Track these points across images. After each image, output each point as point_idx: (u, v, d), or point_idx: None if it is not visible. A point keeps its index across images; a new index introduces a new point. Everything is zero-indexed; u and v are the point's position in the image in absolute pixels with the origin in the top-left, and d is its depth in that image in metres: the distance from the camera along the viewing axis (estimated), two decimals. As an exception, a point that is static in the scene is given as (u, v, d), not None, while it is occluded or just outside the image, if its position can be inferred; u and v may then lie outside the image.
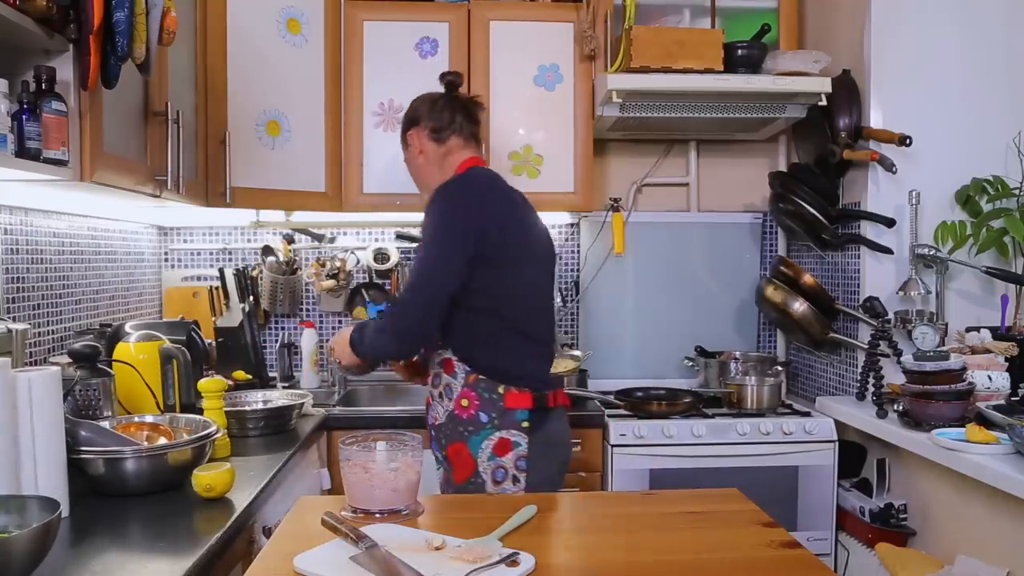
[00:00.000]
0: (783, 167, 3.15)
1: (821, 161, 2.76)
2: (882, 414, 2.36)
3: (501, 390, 1.88)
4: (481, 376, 1.89)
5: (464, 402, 1.90)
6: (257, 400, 2.39)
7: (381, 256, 3.09)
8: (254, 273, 3.04)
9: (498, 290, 1.89)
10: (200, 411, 1.93)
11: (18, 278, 2.06)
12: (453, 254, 1.83)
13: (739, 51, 2.63)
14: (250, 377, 2.79)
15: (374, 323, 1.99)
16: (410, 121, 2.10)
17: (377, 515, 1.36)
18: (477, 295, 1.87)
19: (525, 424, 1.88)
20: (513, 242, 1.92)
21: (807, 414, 2.63)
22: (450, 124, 2.04)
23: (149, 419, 1.80)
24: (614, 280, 3.14)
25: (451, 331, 1.91)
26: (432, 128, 2.06)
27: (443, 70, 2.79)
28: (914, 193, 2.50)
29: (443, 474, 1.99)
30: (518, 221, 1.96)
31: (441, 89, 2.15)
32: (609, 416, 2.58)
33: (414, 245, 3.11)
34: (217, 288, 3.00)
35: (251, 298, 2.98)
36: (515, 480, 1.87)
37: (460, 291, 1.86)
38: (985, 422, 2.07)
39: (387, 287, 3.14)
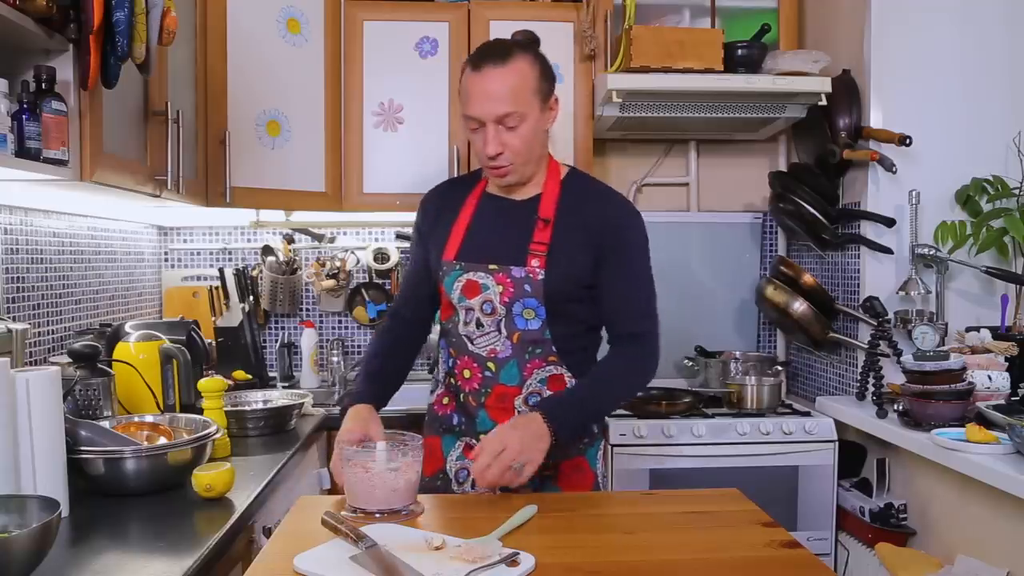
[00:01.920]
0: (783, 167, 3.15)
1: (821, 161, 2.76)
2: (882, 414, 2.36)
3: None
4: None
5: None
6: (257, 400, 2.38)
7: (381, 256, 3.09)
8: (254, 273, 3.04)
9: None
10: (200, 411, 1.93)
11: (18, 278, 2.06)
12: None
13: (739, 51, 2.63)
14: (250, 377, 2.80)
15: (623, 367, 1.70)
16: (552, 78, 1.71)
17: (377, 515, 1.36)
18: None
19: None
20: None
21: (807, 414, 2.63)
22: None
23: (149, 419, 1.79)
24: (614, 280, 3.13)
25: (573, 347, 1.72)
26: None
27: (443, 70, 2.82)
28: (914, 193, 2.50)
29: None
30: None
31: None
32: (609, 416, 2.58)
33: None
34: (217, 288, 3.00)
35: (251, 298, 2.98)
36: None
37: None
38: (985, 422, 2.07)
39: (387, 287, 3.14)
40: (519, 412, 1.68)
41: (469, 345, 1.71)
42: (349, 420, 1.61)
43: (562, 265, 1.66)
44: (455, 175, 2.69)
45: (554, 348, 1.68)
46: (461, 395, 1.75)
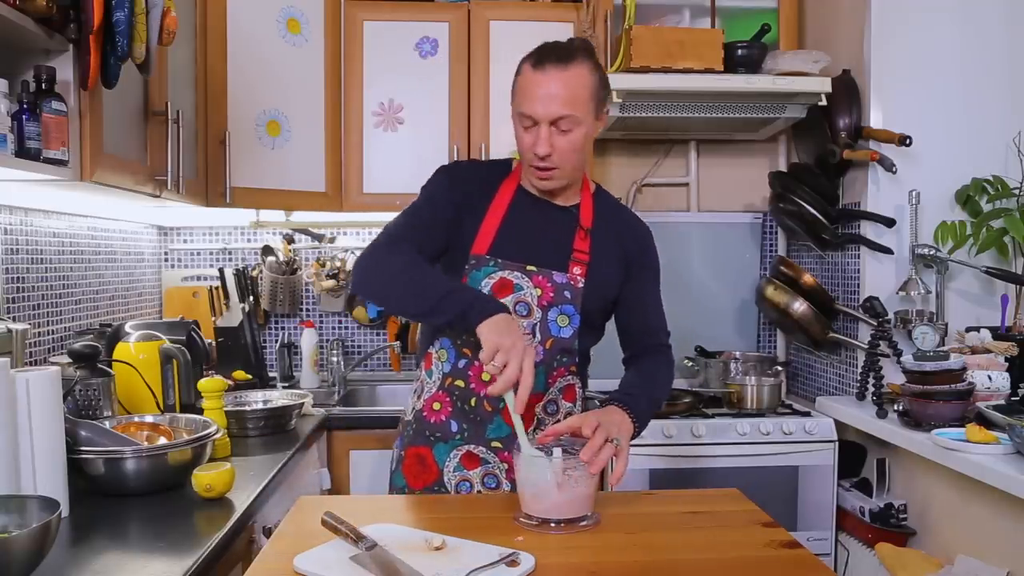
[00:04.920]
0: (783, 167, 3.15)
1: (821, 161, 2.76)
2: (882, 414, 2.36)
3: None
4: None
5: None
6: (257, 400, 2.39)
7: (381, 256, 3.09)
8: (254, 273, 3.04)
9: None
10: (200, 411, 1.93)
11: (18, 278, 2.06)
12: None
13: (739, 51, 2.63)
14: (250, 377, 2.80)
15: (664, 372, 1.75)
16: (608, 89, 1.66)
17: (553, 525, 1.33)
18: None
19: None
20: None
21: (807, 414, 2.63)
22: None
23: (149, 419, 1.80)
24: (614, 280, 3.14)
25: (585, 360, 1.76)
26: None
27: (443, 70, 2.81)
28: (914, 193, 2.50)
29: None
30: None
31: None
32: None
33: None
34: (217, 288, 3.00)
35: (251, 298, 2.98)
36: None
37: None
38: (985, 422, 2.07)
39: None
40: (539, 419, 1.67)
41: None
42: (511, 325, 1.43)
43: (599, 276, 1.67)
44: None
45: (577, 359, 1.69)
46: (471, 399, 1.64)
